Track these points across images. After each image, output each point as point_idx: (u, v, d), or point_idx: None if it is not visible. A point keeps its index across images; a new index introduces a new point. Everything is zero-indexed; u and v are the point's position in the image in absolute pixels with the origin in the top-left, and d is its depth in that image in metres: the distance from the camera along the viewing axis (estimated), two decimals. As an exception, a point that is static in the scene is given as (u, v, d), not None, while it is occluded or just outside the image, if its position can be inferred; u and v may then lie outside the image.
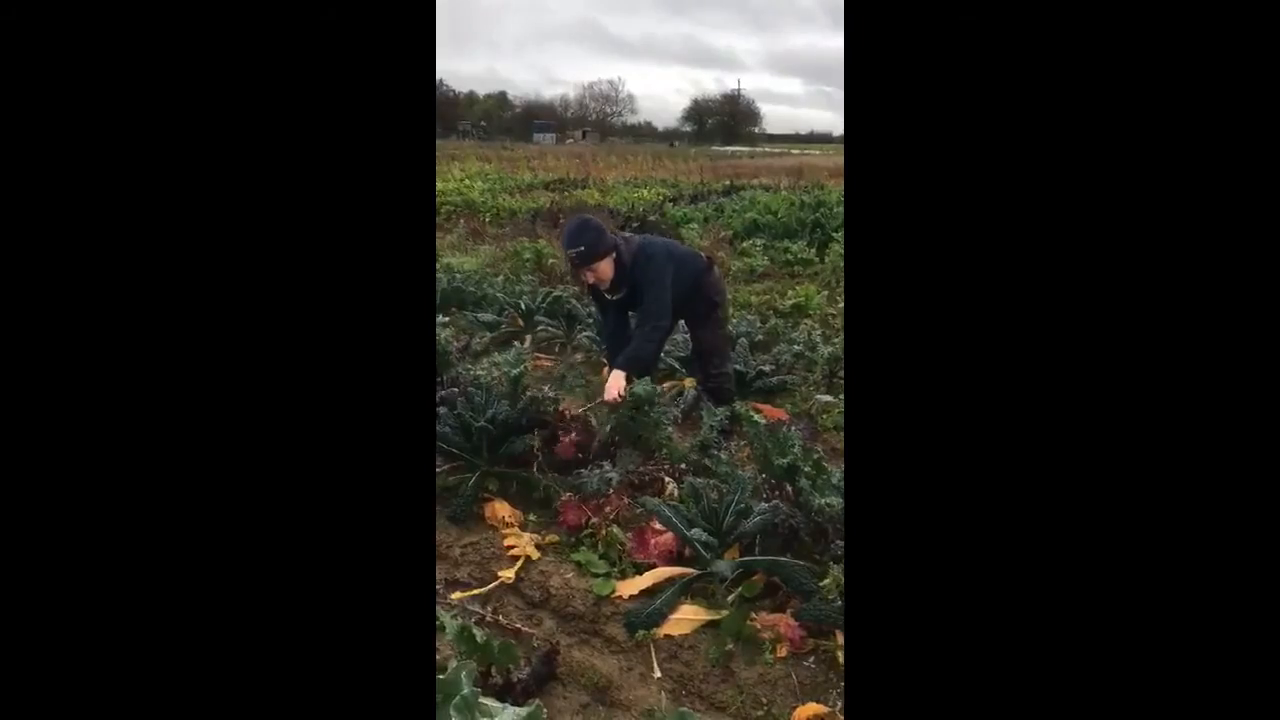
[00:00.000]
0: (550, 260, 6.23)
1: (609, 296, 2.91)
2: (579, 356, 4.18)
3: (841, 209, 8.86)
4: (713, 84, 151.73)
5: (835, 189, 12.26)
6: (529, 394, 2.60)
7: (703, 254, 3.18)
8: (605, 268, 2.75)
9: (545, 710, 1.16)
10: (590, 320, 4.38)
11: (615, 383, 2.64)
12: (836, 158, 25.36)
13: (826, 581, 1.66)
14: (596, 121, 67.77)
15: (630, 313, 2.98)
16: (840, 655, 1.66)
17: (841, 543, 1.80)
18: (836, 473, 2.09)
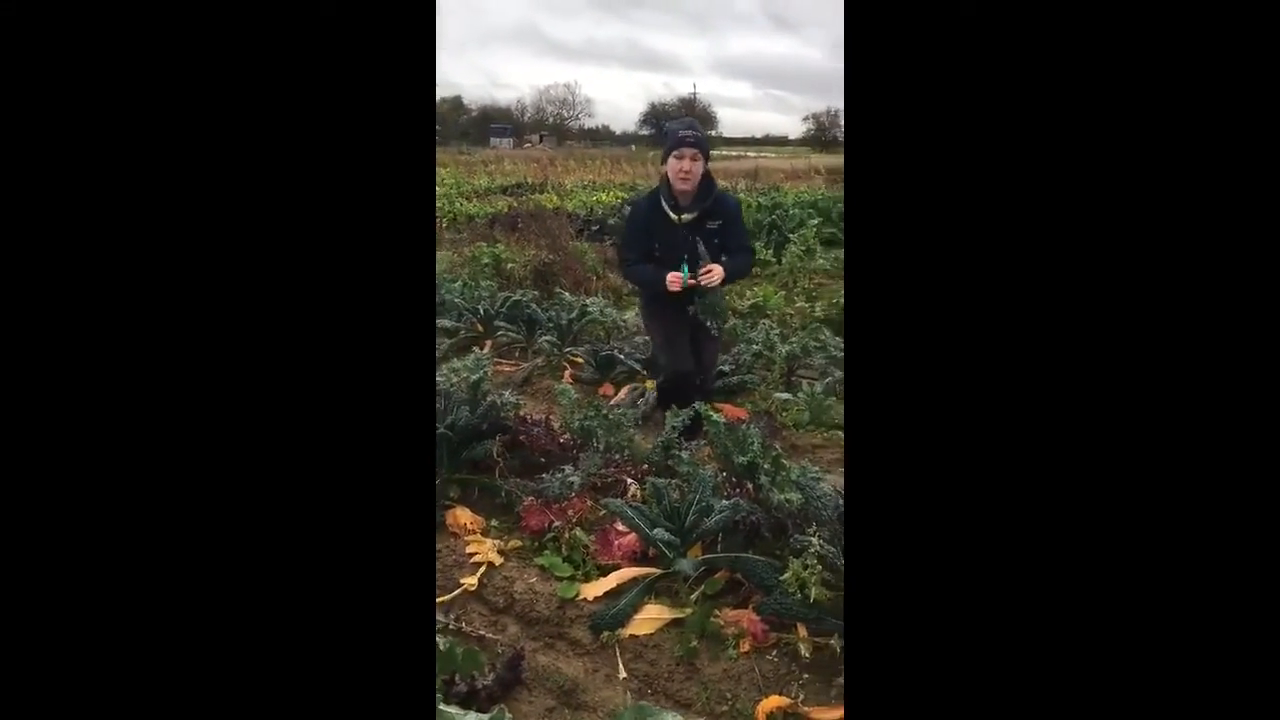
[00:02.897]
0: (509, 265, 6.19)
1: (675, 216, 2.84)
2: (539, 360, 4.17)
3: (797, 210, 8.98)
4: (662, 88, 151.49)
5: (791, 191, 12.42)
6: (489, 399, 2.59)
7: None
8: (702, 168, 2.81)
9: (510, 715, 1.15)
10: (550, 325, 4.35)
11: (719, 272, 2.77)
12: (792, 160, 25.66)
13: (787, 575, 1.68)
14: (554, 125, 67.43)
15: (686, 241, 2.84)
16: (802, 647, 1.69)
17: (801, 537, 1.83)
18: (795, 469, 2.12)
